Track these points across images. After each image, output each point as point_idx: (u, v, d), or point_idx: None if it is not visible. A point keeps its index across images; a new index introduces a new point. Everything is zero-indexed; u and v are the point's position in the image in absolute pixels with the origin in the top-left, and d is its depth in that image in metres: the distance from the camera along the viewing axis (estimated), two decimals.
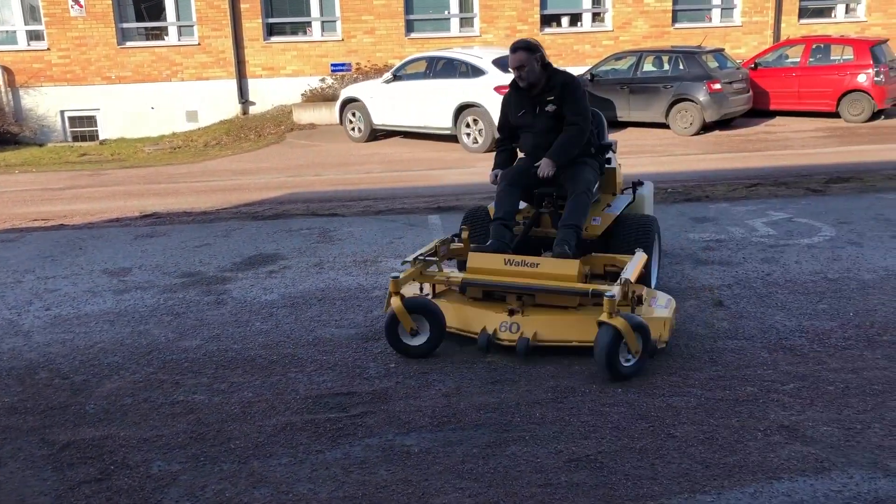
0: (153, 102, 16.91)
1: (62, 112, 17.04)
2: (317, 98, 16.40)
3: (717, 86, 13.15)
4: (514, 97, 5.06)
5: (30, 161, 14.31)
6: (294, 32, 17.32)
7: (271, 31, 17.15)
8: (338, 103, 14.47)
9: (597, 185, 5.04)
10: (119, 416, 3.77)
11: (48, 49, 16.72)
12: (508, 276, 4.37)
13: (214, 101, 16.92)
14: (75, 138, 17.06)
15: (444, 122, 12.98)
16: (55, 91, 16.86)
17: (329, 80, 16.60)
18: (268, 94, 17.08)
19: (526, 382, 3.98)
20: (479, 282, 4.45)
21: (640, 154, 11.63)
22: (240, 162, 13.02)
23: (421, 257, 4.64)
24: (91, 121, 17.19)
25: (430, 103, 13.08)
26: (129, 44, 16.93)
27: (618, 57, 14.75)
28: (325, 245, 6.89)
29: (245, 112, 17.11)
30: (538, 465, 3.23)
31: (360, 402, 3.82)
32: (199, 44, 16.89)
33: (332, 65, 16.96)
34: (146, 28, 17.21)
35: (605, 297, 3.86)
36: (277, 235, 7.31)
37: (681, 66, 13.65)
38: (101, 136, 16.98)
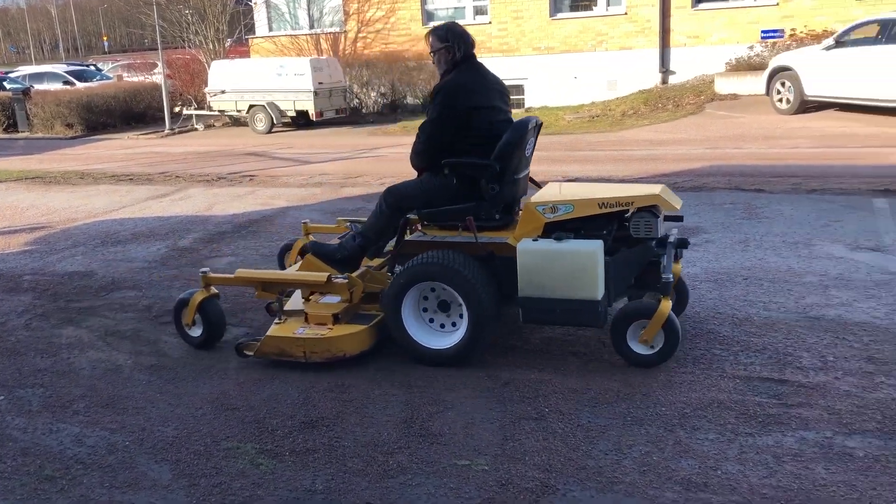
0: (576, 72, 17.63)
1: None
2: (742, 67, 15.60)
3: None
4: None
5: None
6: None
7: None
8: (766, 72, 13.58)
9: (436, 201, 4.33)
10: (550, 366, 4.07)
11: (489, 23, 18.35)
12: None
13: (634, 71, 17.06)
14: None
15: (893, 93, 11.44)
16: (490, 62, 18.38)
17: (758, 48, 15.65)
18: (689, 63, 16.71)
19: None
20: None
21: None
22: (656, 132, 12.99)
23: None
24: (519, 89, 18.50)
25: (879, 72, 11.59)
26: (559, 15, 17.82)
27: None
28: (751, 222, 6.58)
29: (664, 82, 16.98)
30: None
31: (794, 392, 3.60)
32: (625, 13, 17.12)
33: (763, 31, 15.94)
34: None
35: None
36: (699, 208, 7.16)
37: None
38: (527, 105, 18.23)
